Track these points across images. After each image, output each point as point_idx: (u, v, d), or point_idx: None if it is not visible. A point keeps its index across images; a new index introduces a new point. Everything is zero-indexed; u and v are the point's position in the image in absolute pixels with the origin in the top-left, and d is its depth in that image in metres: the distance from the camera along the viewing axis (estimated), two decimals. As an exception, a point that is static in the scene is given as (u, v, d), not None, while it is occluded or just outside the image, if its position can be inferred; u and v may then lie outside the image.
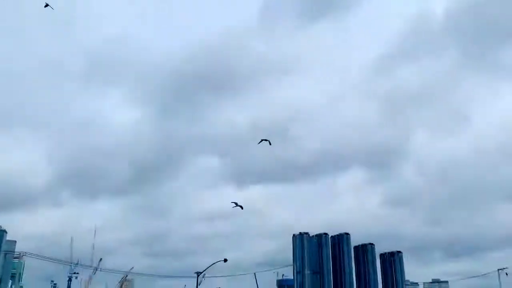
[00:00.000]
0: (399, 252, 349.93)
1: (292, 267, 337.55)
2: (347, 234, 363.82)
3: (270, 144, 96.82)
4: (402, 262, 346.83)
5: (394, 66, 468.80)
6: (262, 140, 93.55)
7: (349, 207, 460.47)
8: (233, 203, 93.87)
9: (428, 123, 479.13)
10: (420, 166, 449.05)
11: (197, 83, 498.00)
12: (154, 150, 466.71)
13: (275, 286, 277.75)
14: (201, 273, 44.63)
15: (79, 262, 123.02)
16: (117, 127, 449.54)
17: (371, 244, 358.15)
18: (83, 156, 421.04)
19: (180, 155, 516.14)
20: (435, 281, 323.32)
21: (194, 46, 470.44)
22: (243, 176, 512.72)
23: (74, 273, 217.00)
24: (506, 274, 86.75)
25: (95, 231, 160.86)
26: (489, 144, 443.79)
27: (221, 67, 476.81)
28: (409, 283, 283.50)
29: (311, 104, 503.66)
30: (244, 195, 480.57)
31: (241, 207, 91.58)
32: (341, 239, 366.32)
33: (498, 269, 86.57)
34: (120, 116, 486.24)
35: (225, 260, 39.88)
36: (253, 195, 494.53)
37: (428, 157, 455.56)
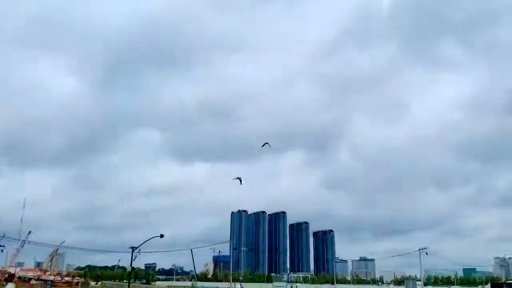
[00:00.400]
0: (331, 231, 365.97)
1: (229, 243, 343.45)
2: (283, 212, 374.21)
3: (270, 146, 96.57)
4: (334, 241, 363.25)
5: (341, 51, 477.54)
6: (265, 143, 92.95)
7: (288, 187, 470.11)
8: (236, 178, 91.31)
9: (369, 109, 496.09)
10: (357, 150, 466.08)
11: (141, 54, 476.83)
12: (93, 121, 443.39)
13: (211, 262, 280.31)
14: (136, 248, 43.50)
15: (5, 235, 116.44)
16: (54, 96, 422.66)
17: (306, 222, 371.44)
18: (15, 126, 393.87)
19: (120, 127, 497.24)
20: (363, 259, 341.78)
21: (139, 16, 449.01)
22: (185, 152, 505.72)
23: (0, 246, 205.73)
24: (426, 253, 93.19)
25: (24, 203, 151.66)
26: (424, 132, 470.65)
27: (167, 39, 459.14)
28: (338, 260, 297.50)
29: (258, 84, 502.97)
30: (186, 171, 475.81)
31: (240, 181, 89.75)
32: (278, 218, 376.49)
33: (420, 249, 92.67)
34: (57, 85, 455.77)
35: (162, 236, 39.16)
36: (195, 172, 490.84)
37: (365, 142, 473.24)
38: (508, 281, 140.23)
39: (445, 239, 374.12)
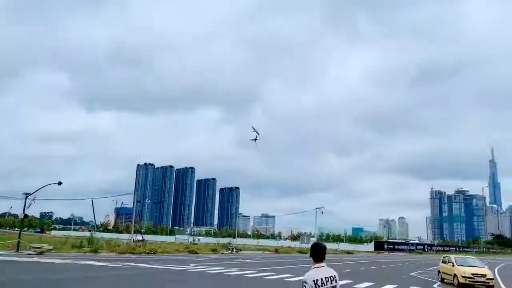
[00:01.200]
0: (237, 188, 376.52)
1: (133, 196, 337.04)
2: (192, 168, 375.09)
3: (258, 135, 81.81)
4: (239, 197, 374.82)
5: (265, 16, 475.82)
6: (254, 138, 78.85)
7: (200, 143, 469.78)
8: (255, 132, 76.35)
9: (286, 74, 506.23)
10: (271, 112, 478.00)
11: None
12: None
13: (113, 213, 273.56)
14: (30, 194, 40.54)
15: None
16: None
17: (214, 179, 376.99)
18: None
19: (19, 66, 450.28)
20: (264, 216, 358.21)
21: None
22: (93, 99, 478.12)
23: None
24: (322, 212, 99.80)
25: None
26: (334, 101, 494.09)
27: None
28: (241, 216, 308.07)
29: (180, 37, 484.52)
30: (92, 120, 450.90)
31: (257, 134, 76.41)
32: (186, 173, 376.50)
33: (316, 208, 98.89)
34: None
35: (60, 183, 36.79)
36: (102, 121, 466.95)
37: (280, 105, 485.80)
38: (389, 240, 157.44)
39: (340, 200, 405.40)
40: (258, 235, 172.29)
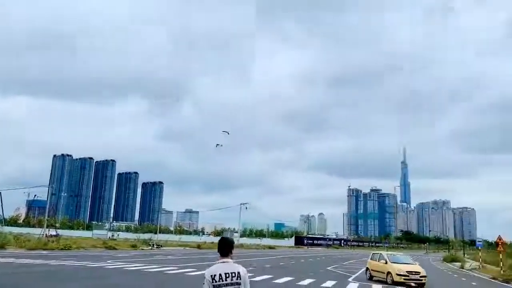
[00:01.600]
0: (161, 182, 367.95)
1: (47, 188, 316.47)
2: (113, 161, 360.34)
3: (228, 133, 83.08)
4: (162, 192, 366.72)
5: (199, 7, 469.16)
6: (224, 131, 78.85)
7: (123, 135, 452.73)
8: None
9: (216, 68, 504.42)
10: (200, 106, 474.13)
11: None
12: None
13: (25, 206, 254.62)
14: None
15: None
16: None
17: (136, 173, 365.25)
18: None
19: None
20: (188, 211, 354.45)
21: None
22: (7, 83, 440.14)
23: None
24: (246, 208, 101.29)
25: None
26: (260, 97, 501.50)
27: None
28: (164, 211, 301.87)
29: (107, 21, 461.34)
30: (3, 104, 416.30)
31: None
32: (106, 165, 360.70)
33: (241, 204, 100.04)
34: None
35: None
36: (14, 106, 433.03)
37: (208, 99, 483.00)
38: (309, 235, 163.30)
39: (264, 196, 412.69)
40: (180, 231, 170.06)
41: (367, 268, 23.95)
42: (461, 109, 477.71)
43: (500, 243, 32.27)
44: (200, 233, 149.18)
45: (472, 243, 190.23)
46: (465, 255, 71.55)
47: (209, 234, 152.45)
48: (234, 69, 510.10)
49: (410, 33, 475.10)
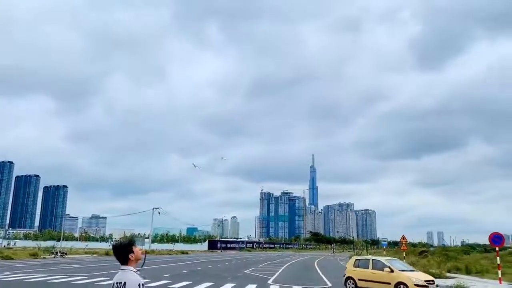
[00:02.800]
0: (65, 186, 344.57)
1: None
2: (10, 162, 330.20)
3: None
4: (66, 197, 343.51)
5: (114, 6, 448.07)
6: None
7: (23, 135, 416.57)
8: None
9: (131, 69, 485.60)
10: (112, 108, 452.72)
11: None
12: None
13: None
14: None
15: None
16: None
17: (37, 176, 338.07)
18: None
19: None
20: (95, 217, 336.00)
21: None
22: None
23: None
24: (159, 213, 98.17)
25: None
26: (178, 102, 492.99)
27: None
28: (69, 217, 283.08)
29: (7, 9, 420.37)
30: None
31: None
32: (2, 168, 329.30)
33: (153, 208, 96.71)
34: None
35: None
36: None
37: (122, 101, 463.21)
38: (222, 239, 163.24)
39: (178, 201, 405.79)
40: (86, 238, 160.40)
41: (349, 278, 18.97)
42: (364, 119, 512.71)
43: (404, 242, 34.72)
44: (109, 240, 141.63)
45: (373, 242, 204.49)
46: (368, 254, 76.41)
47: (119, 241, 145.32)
48: (152, 72, 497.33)
49: (321, 46, 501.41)
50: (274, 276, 26.09)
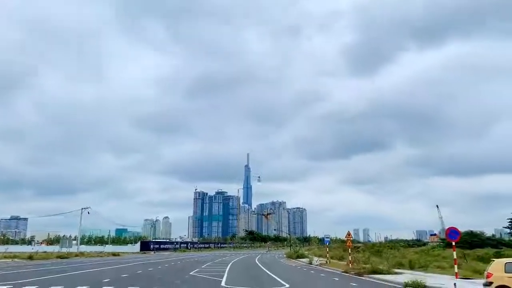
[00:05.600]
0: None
1: None
2: None
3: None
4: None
5: (52, 0, 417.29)
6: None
7: None
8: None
9: (67, 66, 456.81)
10: (40, 104, 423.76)
11: None
12: None
13: None
14: None
15: None
16: None
17: None
18: None
19: None
20: (14, 218, 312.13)
21: None
22: None
23: None
24: (88, 213, 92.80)
25: None
26: (114, 99, 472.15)
27: None
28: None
29: None
30: None
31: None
32: None
33: (82, 208, 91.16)
34: None
35: None
36: None
37: (52, 97, 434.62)
38: (155, 240, 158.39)
39: (108, 201, 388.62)
40: (5, 241, 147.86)
41: (490, 284, 14.26)
42: (299, 120, 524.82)
43: (349, 239, 34.80)
44: (33, 243, 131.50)
45: (305, 239, 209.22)
46: (304, 251, 77.31)
47: (41, 243, 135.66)
48: (88, 68, 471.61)
49: (263, 49, 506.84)
50: (225, 278, 24.66)
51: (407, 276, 24.05)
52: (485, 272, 12.60)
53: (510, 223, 72.02)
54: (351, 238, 36.54)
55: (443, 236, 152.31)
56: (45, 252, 75.70)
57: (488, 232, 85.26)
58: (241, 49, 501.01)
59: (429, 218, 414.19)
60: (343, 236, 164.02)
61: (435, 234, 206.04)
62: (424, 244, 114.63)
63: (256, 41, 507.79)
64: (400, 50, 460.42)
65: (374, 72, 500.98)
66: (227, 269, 34.38)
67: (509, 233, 77.04)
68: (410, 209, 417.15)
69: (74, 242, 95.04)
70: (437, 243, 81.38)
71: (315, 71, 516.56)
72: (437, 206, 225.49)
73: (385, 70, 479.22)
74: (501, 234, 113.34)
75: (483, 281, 14.82)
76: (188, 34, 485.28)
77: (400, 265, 33.36)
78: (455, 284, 18.68)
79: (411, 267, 31.96)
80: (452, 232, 19.01)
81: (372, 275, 26.26)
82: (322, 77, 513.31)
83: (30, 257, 57.09)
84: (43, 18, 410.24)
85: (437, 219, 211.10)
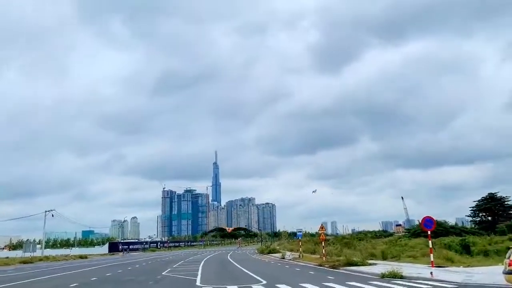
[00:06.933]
0: None
1: None
2: None
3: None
4: None
5: None
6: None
7: None
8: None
9: (25, 63, 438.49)
10: None
11: None
12: None
13: None
14: None
15: None
16: None
17: None
18: None
19: None
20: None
21: None
22: None
23: None
24: (52, 215, 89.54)
25: None
26: (74, 97, 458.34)
27: None
28: None
29: None
30: None
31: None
32: None
33: (45, 211, 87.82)
34: None
35: None
36: None
37: (9, 96, 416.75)
38: (124, 240, 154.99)
39: (73, 202, 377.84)
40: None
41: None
42: (266, 117, 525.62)
43: (322, 232, 34.80)
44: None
45: (276, 234, 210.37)
46: (275, 246, 77.40)
47: (3, 248, 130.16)
48: (48, 66, 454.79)
49: (229, 46, 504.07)
50: (199, 277, 24.00)
51: (382, 266, 24.15)
52: (506, 260, 12.54)
53: (472, 212, 74.35)
54: (324, 231, 36.55)
55: (407, 226, 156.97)
56: (7, 257, 72.53)
57: (451, 221, 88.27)
58: (207, 47, 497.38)
59: (394, 209, 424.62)
60: (312, 230, 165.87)
61: (400, 225, 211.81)
62: (391, 234, 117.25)
63: (222, 38, 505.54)
64: (363, 47, 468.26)
65: (339, 69, 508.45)
66: (200, 267, 33.71)
67: (471, 221, 79.59)
68: (375, 201, 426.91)
69: (38, 246, 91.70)
70: (403, 233, 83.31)
71: (281, 69, 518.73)
72: (402, 197, 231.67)
73: (349, 67, 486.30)
74: (462, 223, 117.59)
75: (465, 269, 14.94)
76: (150, 31, 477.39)
77: (373, 256, 33.65)
78: (431, 272, 18.81)
79: (384, 258, 32.25)
80: (427, 221, 19.14)
81: (347, 267, 26.26)
82: (288, 75, 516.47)
83: (-9, 264, 54.44)
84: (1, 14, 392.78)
85: (402, 210, 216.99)
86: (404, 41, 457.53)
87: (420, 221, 24.61)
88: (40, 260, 63.78)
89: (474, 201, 73.86)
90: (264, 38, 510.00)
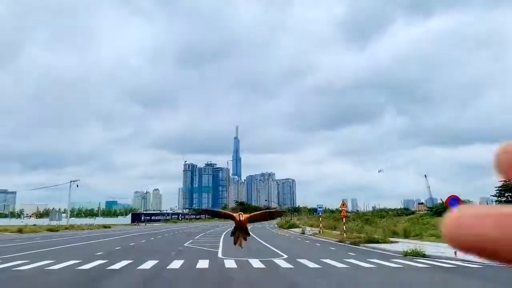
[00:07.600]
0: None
1: None
2: None
3: None
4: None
5: None
6: None
7: None
8: None
9: (53, 36, 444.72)
10: (25, 78, 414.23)
11: None
12: None
13: None
14: None
15: None
16: None
17: None
18: None
19: None
20: (3, 191, 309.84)
21: None
22: None
23: None
24: (77, 185, 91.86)
25: None
26: (99, 71, 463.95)
27: None
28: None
29: None
30: None
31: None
32: None
33: (71, 181, 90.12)
34: None
35: None
36: None
37: (37, 70, 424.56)
38: (146, 211, 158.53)
39: (98, 174, 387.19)
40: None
41: None
42: (289, 92, 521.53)
43: (344, 209, 34.64)
44: (22, 216, 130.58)
45: (295, 209, 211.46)
46: (295, 221, 77.78)
47: (31, 216, 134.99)
48: (76, 37, 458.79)
49: (252, 17, 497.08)
50: (220, 249, 24.26)
51: (404, 244, 23.92)
52: None
53: (497, 191, 72.75)
54: (346, 208, 36.38)
55: (430, 204, 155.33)
56: (34, 225, 75.15)
57: (475, 200, 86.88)
58: (229, 18, 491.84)
59: (416, 187, 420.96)
60: (332, 206, 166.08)
61: (422, 203, 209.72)
62: (412, 212, 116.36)
63: (242, 7, 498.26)
64: (390, 21, 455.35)
65: (365, 44, 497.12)
66: (221, 240, 34.14)
67: (496, 201, 78.06)
68: (397, 179, 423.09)
69: (64, 215, 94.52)
70: (425, 212, 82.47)
71: (305, 42, 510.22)
72: (425, 175, 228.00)
73: (375, 42, 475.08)
74: (487, 202, 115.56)
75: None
76: (174, 2, 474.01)
77: (395, 234, 33.40)
78: (455, 252, 18.47)
79: (406, 236, 31.97)
80: (453, 200, 18.68)
81: (368, 244, 26.13)
82: (312, 48, 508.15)
83: (20, 231, 56.51)
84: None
85: (425, 188, 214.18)
86: (431, 16, 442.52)
87: (445, 200, 24.05)
88: (66, 229, 65.75)
89: (500, 181, 72.27)
90: (289, 9, 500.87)
